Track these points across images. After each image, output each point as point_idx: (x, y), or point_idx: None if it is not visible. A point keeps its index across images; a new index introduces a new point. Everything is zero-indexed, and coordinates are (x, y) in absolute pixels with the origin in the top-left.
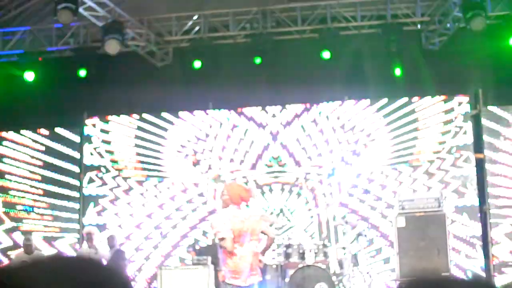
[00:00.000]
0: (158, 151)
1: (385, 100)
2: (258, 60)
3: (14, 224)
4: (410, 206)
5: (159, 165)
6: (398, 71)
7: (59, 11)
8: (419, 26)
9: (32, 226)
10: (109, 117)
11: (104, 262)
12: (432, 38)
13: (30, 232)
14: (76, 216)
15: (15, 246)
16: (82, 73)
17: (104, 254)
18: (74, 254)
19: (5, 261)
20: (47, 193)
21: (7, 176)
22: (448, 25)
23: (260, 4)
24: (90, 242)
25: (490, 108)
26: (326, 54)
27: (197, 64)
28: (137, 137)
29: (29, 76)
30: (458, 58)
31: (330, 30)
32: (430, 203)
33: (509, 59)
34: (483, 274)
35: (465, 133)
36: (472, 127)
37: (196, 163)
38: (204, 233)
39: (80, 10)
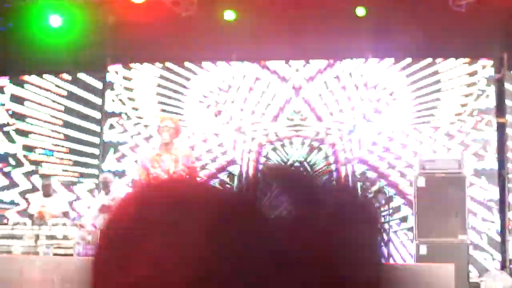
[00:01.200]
0: (180, 100)
1: (409, 60)
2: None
3: (33, 167)
4: (430, 167)
5: (180, 114)
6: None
7: None
8: None
9: (51, 170)
10: (132, 65)
11: None
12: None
13: (49, 175)
14: (95, 161)
15: (34, 189)
16: (108, 19)
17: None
18: (92, 199)
19: (23, 204)
20: (68, 138)
21: (28, 120)
22: None
23: None
24: (106, 189)
25: None
26: (360, 11)
27: (229, 15)
28: (159, 85)
29: (55, 20)
30: (484, 21)
31: None
32: (451, 165)
33: None
34: (499, 237)
35: (487, 96)
36: (495, 91)
37: (217, 114)
38: (224, 183)
39: None
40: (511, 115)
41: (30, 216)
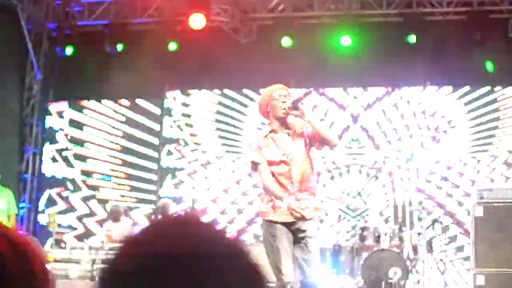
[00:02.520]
0: (238, 127)
1: (467, 88)
2: (345, 41)
3: (91, 192)
4: (489, 196)
5: (238, 141)
6: (489, 66)
7: None
8: (506, 14)
9: (108, 195)
10: (190, 91)
11: None
12: None
13: (106, 200)
14: (153, 187)
15: (91, 213)
16: (167, 46)
17: None
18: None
19: (81, 228)
20: (126, 163)
21: (86, 145)
22: None
23: None
24: (163, 215)
25: None
26: (411, 38)
27: (286, 41)
28: (217, 112)
29: (118, 47)
30: None
31: (415, 15)
32: (510, 194)
33: None
34: None
35: None
36: None
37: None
38: None
39: None
40: None
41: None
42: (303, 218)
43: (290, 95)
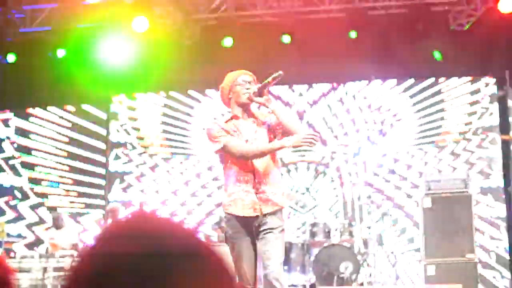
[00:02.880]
0: (185, 129)
1: (411, 81)
2: (286, 39)
3: (39, 200)
4: (436, 187)
5: (185, 142)
6: (437, 55)
7: None
8: (446, 7)
9: (57, 202)
10: (136, 94)
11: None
12: (459, 18)
13: (55, 208)
14: (101, 192)
15: (40, 221)
16: (113, 49)
17: None
18: (99, 230)
19: (31, 237)
20: (73, 169)
21: (33, 152)
22: (477, 5)
23: None
24: (114, 219)
25: None
26: (354, 34)
27: (227, 41)
28: (163, 114)
29: (60, 53)
30: (486, 39)
31: (357, 10)
32: (457, 184)
33: None
34: (507, 255)
35: (491, 114)
36: (498, 109)
37: None
38: None
39: None
40: None
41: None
42: (265, 212)
43: (256, 81)
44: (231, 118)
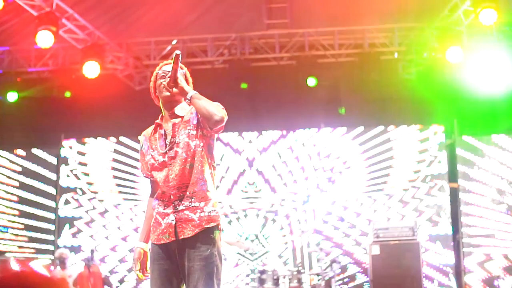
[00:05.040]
0: (135, 175)
1: (361, 128)
2: (237, 85)
3: None
4: (384, 235)
5: (135, 188)
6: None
7: (39, 33)
8: (396, 55)
9: (6, 246)
10: (86, 139)
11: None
12: (408, 67)
13: (4, 252)
14: (51, 237)
15: None
16: (62, 94)
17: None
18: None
19: None
20: (23, 214)
21: None
22: (425, 55)
23: (239, 31)
24: (62, 265)
25: (464, 138)
26: (305, 81)
27: None
28: (114, 160)
29: (11, 96)
30: (434, 88)
31: (308, 58)
32: (405, 232)
33: (484, 90)
34: None
35: (439, 162)
36: (446, 157)
37: None
38: None
39: (60, 32)
40: (463, 179)
41: None
42: (180, 237)
43: (183, 70)
44: (156, 127)
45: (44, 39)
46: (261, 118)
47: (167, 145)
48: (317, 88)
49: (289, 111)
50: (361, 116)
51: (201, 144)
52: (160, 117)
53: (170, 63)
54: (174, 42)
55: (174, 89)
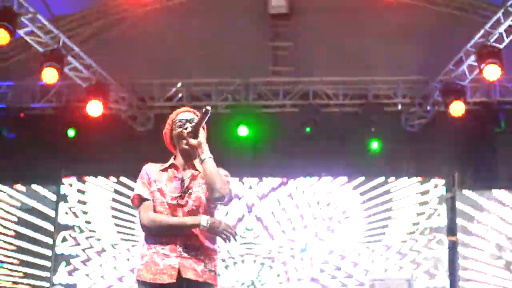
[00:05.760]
0: (133, 215)
1: (362, 179)
2: (242, 131)
3: None
4: (380, 286)
5: (133, 229)
6: (375, 145)
7: (44, 69)
8: (399, 107)
9: (1, 282)
10: (87, 178)
11: None
12: (411, 119)
13: None
14: (47, 274)
15: None
16: (65, 132)
17: None
18: None
19: None
20: (20, 250)
21: None
22: (428, 108)
23: (243, 76)
24: None
25: (465, 192)
26: (307, 129)
27: None
28: (113, 200)
29: (14, 131)
30: (436, 141)
31: (311, 106)
32: (401, 284)
33: (487, 143)
34: None
35: (439, 215)
36: (446, 210)
37: None
38: None
39: (65, 70)
40: (462, 233)
41: None
42: (183, 276)
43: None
44: (170, 167)
45: (49, 75)
46: (262, 164)
47: (181, 192)
48: (319, 136)
49: (290, 158)
50: (362, 167)
51: (210, 205)
52: (173, 159)
53: (187, 111)
54: (179, 85)
55: (192, 141)
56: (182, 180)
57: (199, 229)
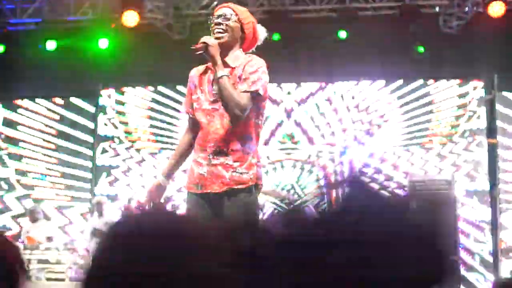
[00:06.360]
0: (172, 124)
1: (400, 82)
2: (275, 37)
3: (26, 191)
4: (421, 187)
5: (173, 138)
6: (421, 49)
7: None
8: (437, 9)
9: (43, 194)
10: (124, 89)
11: None
12: (450, 21)
13: (40, 200)
14: (88, 185)
15: (26, 213)
16: (103, 43)
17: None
18: (84, 223)
19: (15, 228)
20: (60, 162)
21: (21, 144)
22: (467, 8)
23: None
24: (99, 212)
25: (504, 93)
26: (342, 34)
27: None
28: (151, 109)
29: (51, 45)
30: (475, 43)
31: (348, 10)
32: (441, 185)
33: None
34: (491, 258)
35: (478, 117)
36: (486, 112)
37: None
38: None
39: None
40: (502, 136)
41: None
42: (208, 191)
43: (237, 15)
44: (206, 69)
45: None
46: (300, 69)
47: (214, 95)
48: (356, 40)
49: (328, 64)
50: (400, 70)
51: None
52: (206, 65)
53: (223, 7)
54: None
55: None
56: (213, 82)
57: (227, 132)
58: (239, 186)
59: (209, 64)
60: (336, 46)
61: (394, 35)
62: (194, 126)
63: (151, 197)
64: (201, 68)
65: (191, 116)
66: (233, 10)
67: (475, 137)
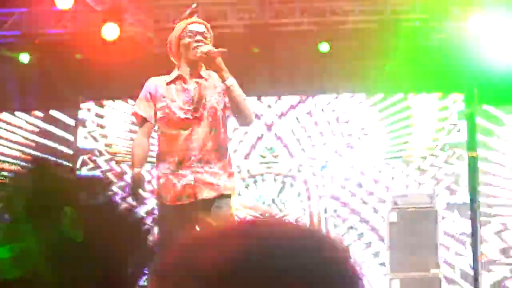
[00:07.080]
0: (152, 137)
1: (380, 95)
2: (256, 50)
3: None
4: (402, 202)
5: (152, 150)
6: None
7: None
8: (417, 22)
9: None
10: (104, 102)
11: None
12: (429, 34)
13: None
14: None
15: None
16: (80, 57)
17: None
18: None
19: None
20: None
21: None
22: (447, 23)
23: None
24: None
25: (484, 107)
26: (323, 47)
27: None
28: (132, 122)
29: (24, 58)
30: (455, 55)
31: (328, 23)
32: (423, 199)
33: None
34: (472, 272)
35: (459, 131)
36: (466, 125)
37: None
38: None
39: None
40: (482, 149)
41: None
42: (199, 198)
43: (211, 33)
44: (177, 78)
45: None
46: (280, 83)
47: (192, 104)
48: (336, 53)
49: (308, 77)
50: (380, 83)
51: (224, 115)
52: (177, 69)
53: (199, 23)
54: (194, 5)
55: (204, 48)
56: (189, 91)
57: (212, 141)
58: (226, 192)
59: (175, 74)
60: (317, 59)
61: (374, 49)
62: (150, 134)
63: (140, 185)
64: (165, 78)
65: (151, 123)
66: (207, 29)
67: (455, 151)
